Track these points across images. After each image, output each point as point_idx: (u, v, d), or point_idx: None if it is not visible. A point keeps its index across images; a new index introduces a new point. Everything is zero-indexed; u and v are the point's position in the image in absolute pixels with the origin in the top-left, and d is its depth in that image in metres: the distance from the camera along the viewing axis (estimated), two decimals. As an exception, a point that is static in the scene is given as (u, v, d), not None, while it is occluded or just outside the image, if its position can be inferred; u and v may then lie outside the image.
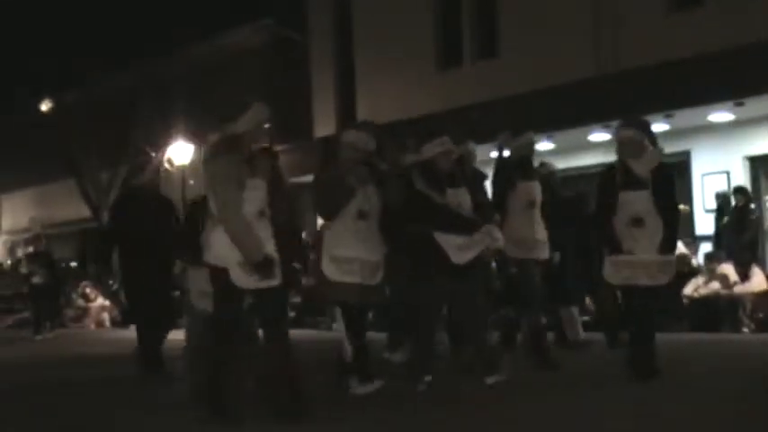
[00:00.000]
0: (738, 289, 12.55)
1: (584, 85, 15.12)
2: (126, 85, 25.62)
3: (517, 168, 8.39)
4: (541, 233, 8.39)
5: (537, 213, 8.37)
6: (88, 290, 22.38)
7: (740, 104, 13.50)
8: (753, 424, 5.38)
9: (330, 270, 6.67)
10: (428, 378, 6.85)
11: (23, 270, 18.70)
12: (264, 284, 5.67)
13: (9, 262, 30.42)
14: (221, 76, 25.02)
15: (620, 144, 7.25)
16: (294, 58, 23.22)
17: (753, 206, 13.91)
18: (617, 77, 14.91)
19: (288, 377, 5.70)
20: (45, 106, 26.29)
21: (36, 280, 17.91)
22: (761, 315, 12.37)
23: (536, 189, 8.44)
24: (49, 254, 19.01)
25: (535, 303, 8.34)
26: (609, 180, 7.26)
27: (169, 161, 23.80)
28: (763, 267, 13.30)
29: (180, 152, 23.57)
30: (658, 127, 14.52)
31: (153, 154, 22.33)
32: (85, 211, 26.75)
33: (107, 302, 22.92)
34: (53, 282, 18.46)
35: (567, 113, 14.69)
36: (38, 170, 30.73)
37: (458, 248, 6.86)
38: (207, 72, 25.27)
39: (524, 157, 8.56)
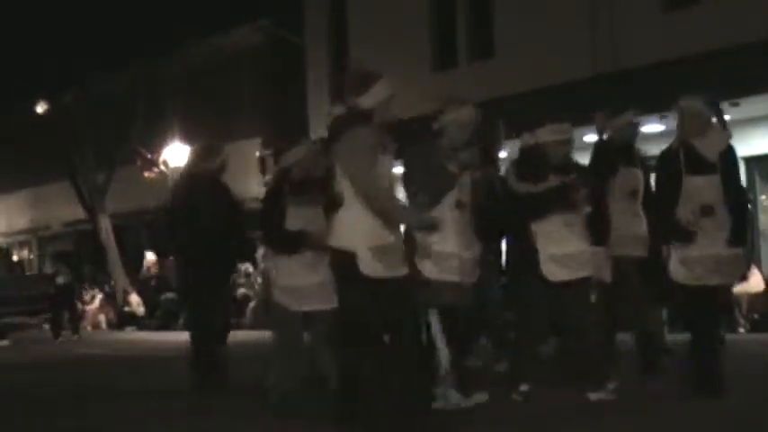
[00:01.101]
0: (736, 289, 12.55)
1: (581, 86, 15.12)
2: (122, 86, 25.58)
3: (619, 153, 7.40)
4: (642, 227, 7.37)
5: (638, 204, 7.39)
6: (83, 292, 22.36)
7: (735, 105, 13.49)
8: (751, 425, 5.36)
9: (427, 267, 5.89)
10: (525, 387, 6.27)
11: (48, 270, 18.44)
12: (395, 273, 5.18)
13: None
14: (218, 77, 25.01)
15: (685, 117, 6.42)
16: (290, 59, 23.20)
17: (750, 207, 13.89)
18: (613, 77, 14.90)
19: (406, 388, 5.14)
20: (40, 108, 26.22)
21: (60, 280, 17.68)
22: (756, 315, 12.38)
23: (639, 177, 7.47)
24: (73, 253, 18.71)
25: (640, 306, 7.28)
26: (672, 161, 6.36)
27: (165, 162, 23.78)
28: (759, 268, 13.30)
29: (177, 153, 23.55)
30: (654, 128, 14.53)
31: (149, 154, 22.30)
32: (80, 213, 26.69)
33: (103, 304, 22.94)
34: (76, 282, 18.28)
35: (564, 114, 14.66)
36: (33, 171, 30.69)
37: (554, 262, 6.20)
38: (203, 73, 25.26)
39: (626, 139, 7.62)
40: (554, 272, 6.16)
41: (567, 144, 6.47)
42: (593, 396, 6.13)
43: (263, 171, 22.31)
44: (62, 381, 9.92)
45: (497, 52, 18.29)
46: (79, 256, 20.31)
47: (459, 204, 5.94)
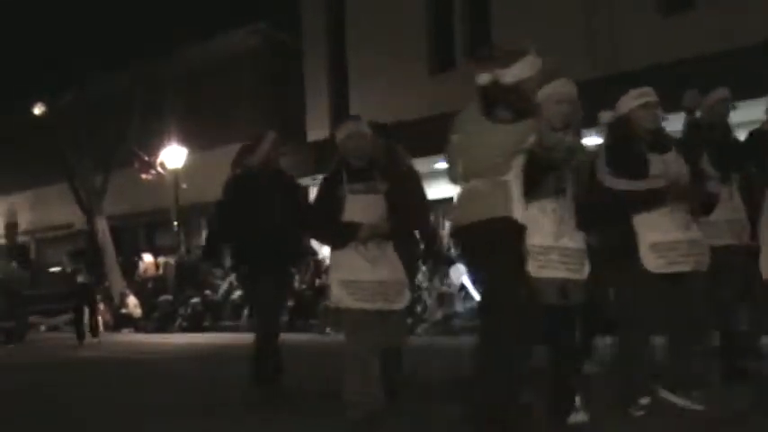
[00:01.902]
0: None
1: (579, 88, 15.10)
2: (120, 88, 25.57)
3: (712, 132, 6.94)
4: (740, 211, 6.70)
5: (735, 188, 6.78)
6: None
7: (733, 108, 13.47)
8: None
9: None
10: (645, 401, 5.51)
11: (67, 268, 17.98)
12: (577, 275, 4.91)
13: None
14: (216, 80, 25.01)
15: None
16: (288, 61, 23.21)
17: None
18: (612, 80, 14.89)
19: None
20: (38, 110, 26.21)
21: (82, 279, 17.04)
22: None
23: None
24: (93, 252, 18.21)
25: (727, 301, 6.58)
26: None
27: (162, 164, 23.77)
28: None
29: (173, 155, 23.55)
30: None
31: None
32: (78, 215, 26.68)
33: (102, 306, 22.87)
34: (96, 281, 17.68)
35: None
36: (31, 173, 30.67)
37: (656, 253, 5.55)
38: (201, 75, 25.25)
39: (718, 117, 7.14)
40: (657, 263, 5.51)
41: (655, 107, 5.90)
42: (681, 403, 5.57)
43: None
44: (110, 394, 8.81)
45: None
46: (96, 254, 19.50)
47: (558, 192, 5.25)
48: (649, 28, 15.48)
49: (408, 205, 6.16)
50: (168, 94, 25.90)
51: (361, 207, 5.78)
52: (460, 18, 19.30)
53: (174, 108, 25.55)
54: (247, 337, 17.59)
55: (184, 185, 23.25)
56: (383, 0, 19.95)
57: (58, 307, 18.12)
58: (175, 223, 23.89)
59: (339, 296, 5.76)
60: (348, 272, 5.73)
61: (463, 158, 4.94)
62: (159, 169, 23.96)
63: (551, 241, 5.22)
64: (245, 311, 18.65)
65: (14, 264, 17.75)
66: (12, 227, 17.86)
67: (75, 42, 23.13)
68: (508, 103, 4.82)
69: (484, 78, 4.90)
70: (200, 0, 24.12)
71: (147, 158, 24.44)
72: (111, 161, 24.92)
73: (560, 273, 5.21)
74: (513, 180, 4.81)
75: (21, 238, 33.18)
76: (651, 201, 5.50)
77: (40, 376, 10.99)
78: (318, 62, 22.28)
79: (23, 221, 32.86)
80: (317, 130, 21.99)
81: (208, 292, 21.11)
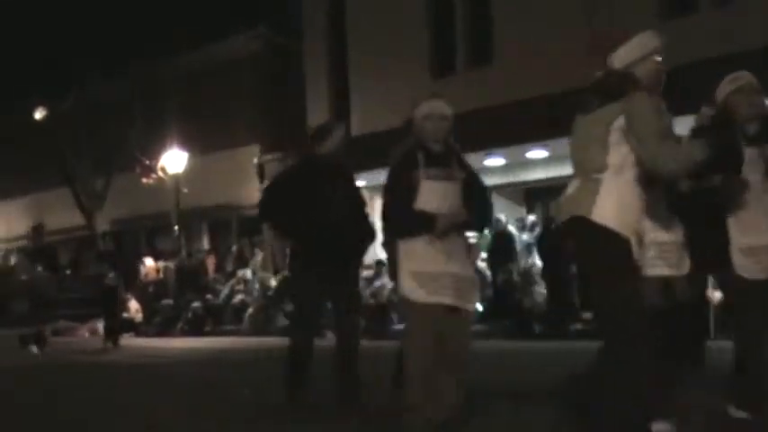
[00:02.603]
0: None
1: (578, 93, 15.11)
2: (121, 92, 25.60)
3: None
4: None
5: None
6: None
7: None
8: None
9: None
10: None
11: (90, 271, 17.50)
12: (678, 271, 4.58)
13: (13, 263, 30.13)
14: (216, 83, 25.03)
15: None
16: (289, 65, 23.23)
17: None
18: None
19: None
20: (39, 114, 26.25)
21: (109, 282, 16.59)
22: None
23: None
24: (118, 253, 17.49)
25: None
26: None
27: (162, 168, 23.79)
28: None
29: (174, 159, 23.56)
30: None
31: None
32: (79, 219, 26.70)
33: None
34: (122, 284, 17.19)
35: (562, 121, 14.68)
36: (32, 178, 30.68)
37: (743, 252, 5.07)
38: (202, 79, 25.27)
39: None
40: (748, 267, 5.03)
41: (753, 92, 5.40)
42: (738, 414, 5.18)
43: (261, 177, 22.32)
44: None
45: (495, 59, 18.31)
46: (123, 256, 18.71)
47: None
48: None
49: (484, 197, 5.68)
50: (169, 98, 25.92)
51: (438, 194, 5.33)
52: (461, 21, 19.32)
53: (174, 112, 25.57)
54: (248, 341, 17.64)
55: (185, 189, 23.27)
56: (384, 3, 19.98)
57: (86, 311, 17.36)
58: (176, 227, 23.91)
59: (410, 288, 5.27)
60: (420, 263, 5.27)
61: (570, 158, 4.68)
62: (160, 173, 23.97)
63: (662, 234, 4.75)
64: (286, 311, 18.43)
65: (40, 267, 17.05)
66: (38, 228, 17.12)
67: (75, 46, 23.17)
68: (602, 90, 4.57)
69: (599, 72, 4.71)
70: (201, 4, 24.15)
71: (147, 162, 24.46)
72: (112, 165, 24.95)
73: (660, 270, 4.76)
74: (610, 178, 4.29)
75: (5, 245, 33.23)
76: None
77: (48, 380, 11.01)
78: (319, 66, 22.31)
79: (24, 226, 32.87)
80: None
81: (209, 296, 21.12)
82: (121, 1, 23.53)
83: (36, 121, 26.22)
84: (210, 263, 23.35)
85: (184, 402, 7.69)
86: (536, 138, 15.83)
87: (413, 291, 5.26)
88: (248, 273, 20.87)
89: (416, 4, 19.82)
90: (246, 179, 23.31)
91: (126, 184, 25.25)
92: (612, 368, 4.20)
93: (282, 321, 18.62)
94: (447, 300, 5.24)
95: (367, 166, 19.32)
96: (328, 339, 15.58)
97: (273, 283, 19.76)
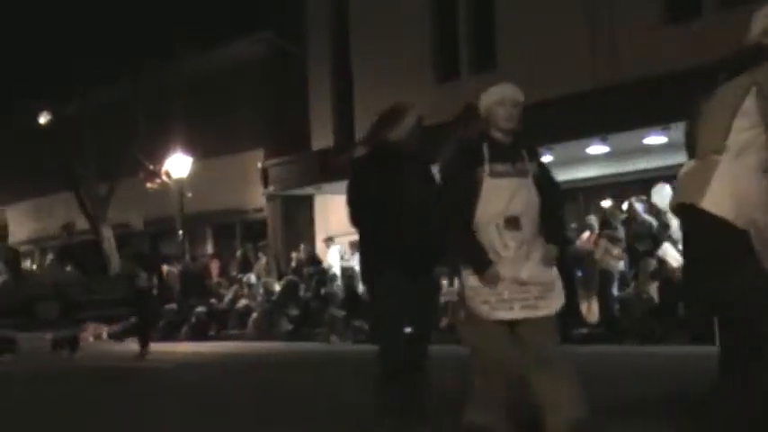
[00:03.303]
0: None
1: (582, 98, 15.14)
2: (125, 97, 25.63)
3: None
4: None
5: None
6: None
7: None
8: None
9: None
10: None
11: (120, 271, 16.86)
12: None
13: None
14: (220, 88, 25.05)
15: None
16: (292, 70, 23.25)
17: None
18: (615, 90, 14.92)
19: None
20: (43, 119, 26.28)
21: (140, 283, 16.03)
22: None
23: None
24: (151, 255, 17.13)
25: None
26: None
27: (167, 173, 23.82)
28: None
29: (178, 164, 23.59)
30: (656, 140, 14.56)
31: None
32: (83, 224, 26.72)
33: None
34: (157, 286, 16.60)
35: (566, 126, 14.70)
36: (36, 182, 30.71)
37: None
38: (206, 84, 25.30)
39: None
40: None
41: None
42: None
43: (265, 182, 22.34)
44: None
45: (499, 64, 18.32)
46: (158, 257, 17.70)
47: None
48: (652, 38, 15.49)
49: (557, 199, 5.03)
50: (173, 102, 25.95)
51: (505, 195, 4.69)
52: (465, 26, 19.33)
53: (178, 116, 25.59)
54: (253, 346, 17.55)
55: (189, 194, 23.29)
56: (388, 9, 20.00)
57: (117, 313, 16.48)
58: (180, 232, 23.93)
59: (471, 304, 4.74)
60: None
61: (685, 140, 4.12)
62: (164, 178, 23.99)
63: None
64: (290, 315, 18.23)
65: (69, 267, 16.42)
66: (68, 227, 16.55)
67: (79, 50, 23.20)
68: (733, 63, 4.04)
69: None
70: (205, 8, 24.17)
71: (151, 167, 24.48)
72: (116, 170, 24.97)
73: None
74: (728, 162, 3.79)
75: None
76: None
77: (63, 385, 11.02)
78: (323, 70, 22.33)
79: (28, 230, 32.89)
80: (321, 139, 22.02)
81: (213, 300, 21.14)
82: (125, 5, 23.55)
83: (41, 126, 26.25)
84: (214, 267, 23.36)
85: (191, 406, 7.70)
86: (540, 142, 15.82)
87: (474, 307, 4.71)
88: (252, 277, 20.88)
89: (420, 8, 19.84)
90: (250, 184, 23.32)
91: (130, 189, 25.27)
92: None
93: (286, 326, 18.66)
94: (513, 314, 4.67)
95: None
96: (335, 344, 15.57)
97: (277, 287, 19.78)
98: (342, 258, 19.64)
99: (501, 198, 4.69)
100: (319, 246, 21.66)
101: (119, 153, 24.76)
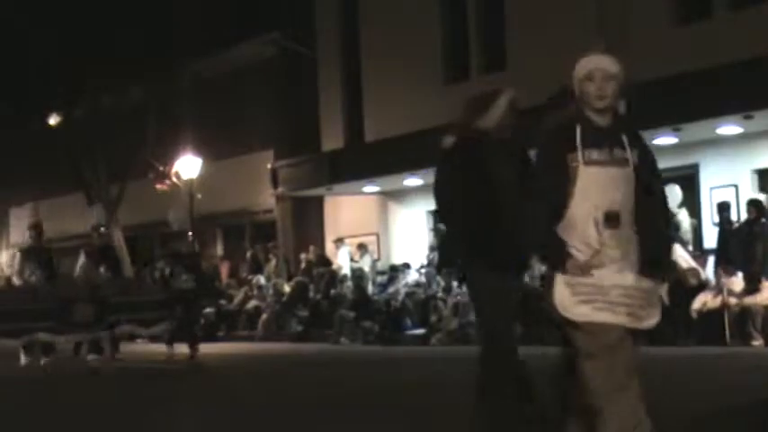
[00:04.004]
0: (748, 301, 12.49)
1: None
2: (134, 99, 25.66)
3: None
4: None
5: None
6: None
7: (749, 117, 13.46)
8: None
9: None
10: None
11: (159, 272, 16.38)
12: None
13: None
14: (229, 90, 25.08)
15: None
16: (302, 72, 23.25)
17: (764, 220, 13.81)
18: (624, 91, 14.87)
19: None
20: (53, 120, 26.35)
21: (179, 284, 15.34)
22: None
23: None
24: (193, 254, 16.69)
25: None
26: None
27: (176, 175, 23.84)
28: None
29: (188, 165, 23.61)
30: (666, 140, 14.51)
31: None
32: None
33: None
34: (200, 288, 15.95)
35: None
36: (46, 184, 30.79)
37: None
38: (215, 86, 25.33)
39: None
40: None
41: None
42: None
43: (275, 183, 22.35)
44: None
45: (509, 65, 18.30)
46: (200, 257, 16.95)
47: None
48: (663, 39, 15.45)
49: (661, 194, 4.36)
50: (183, 104, 25.97)
51: (600, 187, 4.08)
52: (475, 27, 19.31)
53: (188, 118, 25.62)
54: (263, 347, 17.50)
55: (199, 195, 23.31)
56: (397, 10, 19.99)
57: (154, 315, 15.50)
58: (190, 233, 23.95)
59: (565, 303, 4.11)
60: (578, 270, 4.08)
61: None
62: (174, 179, 24.02)
63: None
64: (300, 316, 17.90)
65: (102, 268, 15.86)
66: (97, 228, 16.24)
67: (89, 52, 23.23)
68: None
69: None
70: (215, 10, 24.20)
71: (161, 169, 24.51)
72: (127, 172, 25.01)
73: None
74: None
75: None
76: None
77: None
78: (333, 72, 22.33)
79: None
80: (331, 141, 22.03)
81: (222, 301, 21.15)
82: (135, 8, 23.59)
83: (51, 128, 26.31)
84: (224, 268, 23.37)
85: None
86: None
87: (569, 307, 4.11)
88: (262, 279, 20.89)
89: (430, 9, 19.83)
90: (260, 185, 23.32)
91: (140, 191, 25.30)
92: None
93: (296, 327, 18.66)
94: (616, 319, 4.06)
95: (380, 172, 19.37)
96: (346, 344, 15.52)
97: (287, 288, 19.78)
98: (351, 260, 19.65)
99: (598, 191, 4.06)
100: (329, 247, 21.67)
101: (129, 155, 24.80)
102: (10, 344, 14.25)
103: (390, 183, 19.64)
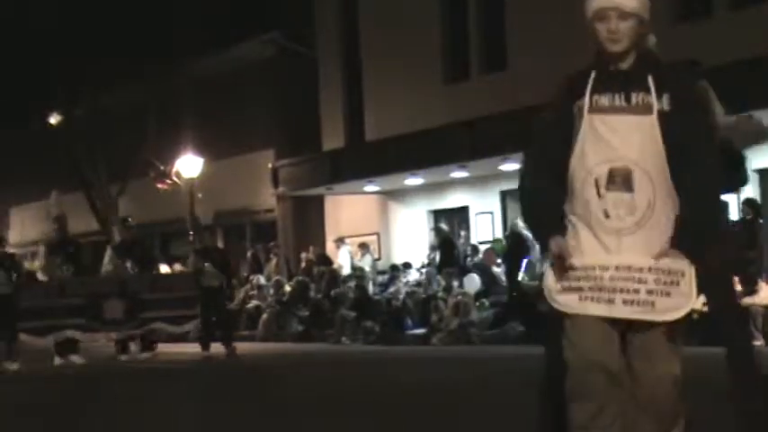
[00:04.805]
0: (746, 302, 12.48)
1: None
2: (135, 99, 25.68)
3: None
4: None
5: None
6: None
7: (750, 118, 13.44)
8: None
9: None
10: None
11: (189, 267, 16.15)
12: None
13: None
14: (230, 89, 25.08)
15: None
16: (302, 71, 23.26)
17: (761, 221, 13.81)
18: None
19: None
20: (54, 119, 26.37)
21: (206, 281, 14.87)
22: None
23: None
24: (222, 250, 16.38)
25: None
26: None
27: (177, 174, 23.85)
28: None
29: (189, 165, 23.62)
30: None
31: None
32: (93, 225, 26.77)
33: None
34: (227, 284, 15.66)
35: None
36: (46, 184, 30.77)
37: None
38: (215, 85, 25.34)
39: None
40: None
41: None
42: None
43: (276, 183, 22.37)
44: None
45: (509, 65, 18.31)
46: (224, 253, 16.69)
47: None
48: (662, 37, 15.41)
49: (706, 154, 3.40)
50: (183, 103, 25.99)
51: (609, 137, 3.34)
52: (475, 27, 19.32)
53: (189, 117, 25.64)
54: (263, 347, 17.48)
55: (200, 195, 23.32)
56: (397, 10, 20.00)
57: (184, 313, 15.30)
58: (191, 233, 23.95)
59: (551, 290, 3.40)
60: (577, 257, 3.31)
61: None
62: (175, 179, 24.03)
63: None
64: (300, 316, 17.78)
65: (129, 264, 15.47)
66: (123, 221, 15.93)
67: (89, 51, 23.25)
68: None
69: None
70: (215, 10, 24.21)
71: (162, 168, 24.52)
72: (127, 171, 25.02)
73: None
74: None
75: (19, 251, 33.01)
76: None
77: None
78: (333, 72, 22.34)
79: (37, 231, 32.92)
80: (332, 140, 22.04)
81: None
82: (135, 7, 23.62)
83: (52, 128, 26.33)
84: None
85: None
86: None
87: (557, 296, 3.38)
88: (262, 278, 20.89)
89: (430, 9, 19.84)
90: (261, 184, 23.34)
91: (141, 190, 25.32)
92: None
93: (296, 327, 18.65)
94: (613, 311, 3.26)
95: (380, 171, 19.38)
96: (346, 344, 15.60)
97: (288, 288, 19.78)
98: (352, 259, 19.66)
99: (602, 143, 3.32)
100: (330, 246, 21.68)
101: (129, 154, 24.82)
102: (37, 342, 13.68)
103: (391, 182, 19.65)
